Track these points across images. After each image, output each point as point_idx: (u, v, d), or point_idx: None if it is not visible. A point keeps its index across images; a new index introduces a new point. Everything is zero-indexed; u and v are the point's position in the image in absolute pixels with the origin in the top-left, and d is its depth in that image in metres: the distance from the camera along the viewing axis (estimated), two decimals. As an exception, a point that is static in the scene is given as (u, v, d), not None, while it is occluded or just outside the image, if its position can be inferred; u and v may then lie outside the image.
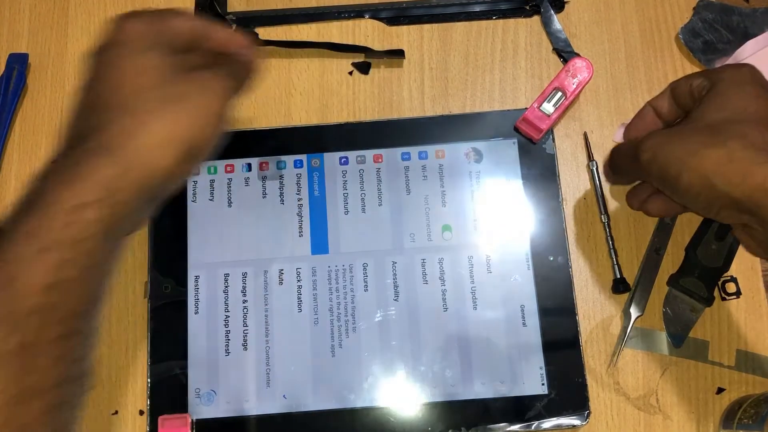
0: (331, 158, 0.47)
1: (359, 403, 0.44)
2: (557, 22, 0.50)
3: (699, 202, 0.36)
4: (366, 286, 0.45)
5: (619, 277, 0.46)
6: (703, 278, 0.45)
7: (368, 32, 0.51)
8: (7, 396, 0.26)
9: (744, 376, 0.45)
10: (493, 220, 0.46)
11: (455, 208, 0.47)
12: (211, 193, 0.47)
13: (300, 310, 0.45)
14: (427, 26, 0.51)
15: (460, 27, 0.51)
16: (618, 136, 0.48)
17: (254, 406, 0.44)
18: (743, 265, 0.46)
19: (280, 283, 0.46)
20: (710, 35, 0.49)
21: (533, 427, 0.43)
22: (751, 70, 0.38)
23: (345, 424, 0.43)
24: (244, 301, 0.45)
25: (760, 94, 0.37)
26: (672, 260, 0.46)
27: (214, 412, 0.44)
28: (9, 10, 0.52)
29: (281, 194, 0.47)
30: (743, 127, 0.35)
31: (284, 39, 0.51)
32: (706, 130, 0.36)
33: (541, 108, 0.47)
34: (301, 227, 0.46)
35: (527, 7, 0.51)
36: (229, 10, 0.51)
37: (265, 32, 0.51)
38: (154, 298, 0.45)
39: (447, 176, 0.47)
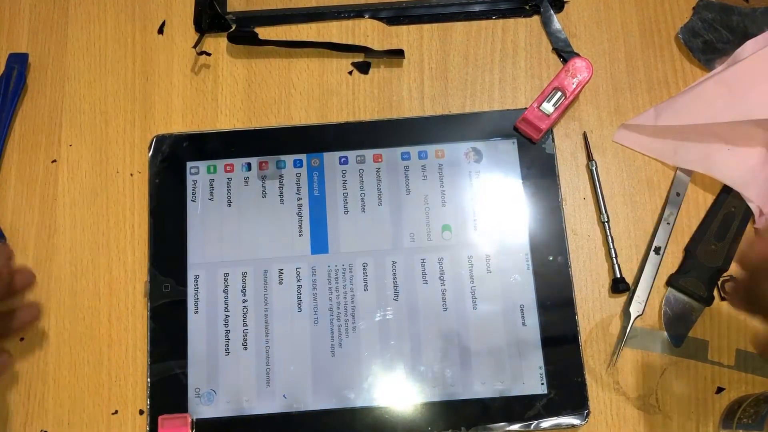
0: (331, 158, 0.47)
1: (359, 403, 0.44)
2: (557, 21, 0.50)
3: None
4: (366, 285, 0.45)
5: (618, 276, 0.46)
6: (703, 278, 0.45)
7: (368, 32, 0.51)
8: None
9: (743, 375, 0.45)
10: (493, 220, 0.46)
11: (455, 207, 0.47)
12: (211, 193, 0.47)
13: (300, 309, 0.45)
14: (426, 26, 0.51)
15: (459, 27, 0.51)
16: (618, 137, 0.48)
17: (254, 406, 0.44)
18: (743, 264, 0.46)
19: (280, 282, 0.46)
20: (710, 35, 0.49)
21: (532, 426, 0.43)
22: None
23: (345, 423, 0.43)
24: (244, 301, 0.45)
25: None
26: (672, 260, 0.46)
27: (214, 411, 0.44)
28: (9, 10, 0.52)
29: (281, 194, 0.47)
30: None
31: (284, 39, 0.51)
32: None
33: (540, 108, 0.47)
34: (300, 227, 0.46)
35: (527, 7, 0.51)
36: (229, 10, 0.52)
37: (265, 32, 0.51)
38: (153, 298, 0.45)
39: (447, 176, 0.47)
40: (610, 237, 0.46)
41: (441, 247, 0.46)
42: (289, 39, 0.51)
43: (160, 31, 0.51)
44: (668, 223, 0.46)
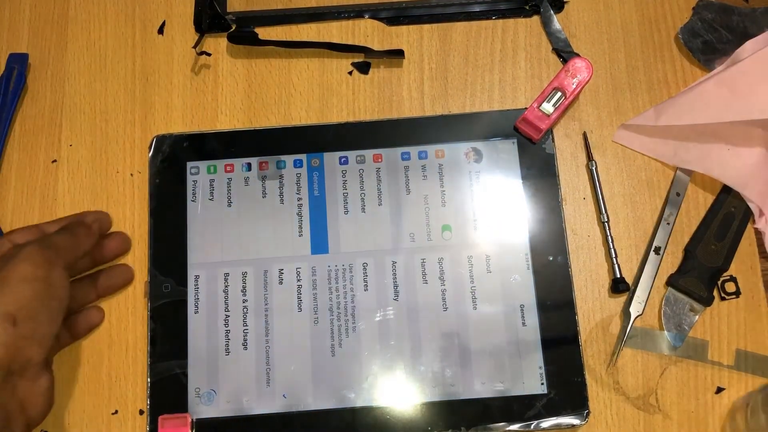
0: (331, 158, 0.48)
1: (359, 403, 0.44)
2: (557, 22, 0.50)
3: None
4: (366, 285, 0.45)
5: (618, 276, 0.46)
6: (703, 278, 0.45)
7: (368, 32, 0.51)
8: None
9: (743, 375, 0.45)
10: (493, 220, 0.46)
11: (455, 207, 0.47)
12: (211, 193, 0.47)
13: (300, 309, 0.45)
14: (426, 26, 0.51)
15: (459, 27, 0.51)
16: (618, 137, 0.49)
17: (254, 406, 0.44)
18: (743, 264, 0.46)
19: (280, 282, 0.46)
20: (710, 35, 0.49)
21: (532, 426, 0.43)
22: None
23: (345, 423, 0.43)
24: (244, 301, 0.45)
25: None
26: (672, 260, 0.46)
27: (214, 411, 0.44)
28: (9, 10, 0.52)
29: (281, 194, 0.47)
30: None
31: (284, 39, 0.51)
32: None
33: (540, 108, 0.47)
34: (300, 227, 0.46)
35: (527, 7, 0.51)
36: (228, 10, 0.52)
37: (265, 32, 0.51)
38: (153, 298, 0.45)
39: (447, 176, 0.47)
40: (610, 237, 0.46)
41: (441, 247, 0.46)
42: (289, 39, 0.51)
43: (160, 31, 0.51)
44: (668, 223, 0.46)
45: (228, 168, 0.47)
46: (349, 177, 0.47)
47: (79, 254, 0.41)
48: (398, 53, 0.50)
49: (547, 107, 0.47)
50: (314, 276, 0.46)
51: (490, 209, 0.46)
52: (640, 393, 0.45)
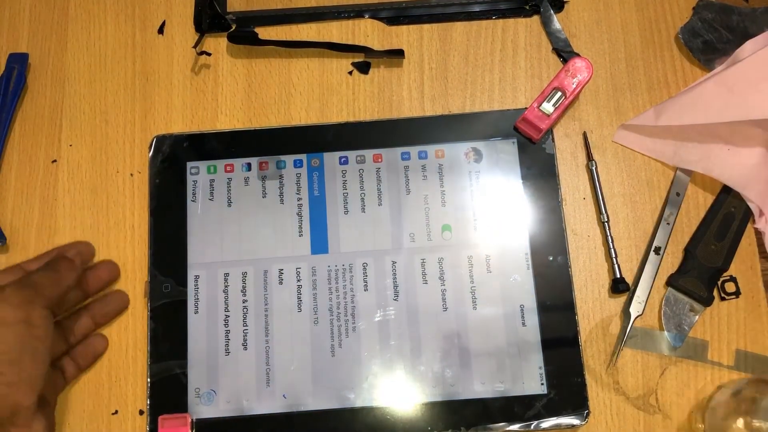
0: (331, 158, 0.48)
1: (359, 403, 0.44)
2: (557, 21, 0.50)
3: None
4: (366, 285, 0.45)
5: (618, 276, 0.46)
6: (703, 278, 0.45)
7: (368, 32, 0.51)
8: None
9: (743, 375, 0.45)
10: (493, 220, 0.46)
11: (455, 207, 0.47)
12: (211, 193, 0.47)
13: (300, 309, 0.45)
14: (426, 26, 0.51)
15: (459, 27, 0.51)
16: (618, 137, 0.48)
17: (254, 406, 0.44)
18: (743, 264, 0.46)
19: (280, 282, 0.46)
20: (710, 35, 0.49)
21: (532, 426, 0.43)
22: None
23: (345, 423, 0.43)
24: (244, 301, 0.45)
25: None
26: (672, 260, 0.46)
27: (214, 411, 0.44)
28: (9, 10, 0.52)
29: (281, 194, 0.47)
30: None
31: (284, 39, 0.51)
32: None
33: (540, 108, 0.47)
34: (300, 227, 0.46)
35: (527, 7, 0.51)
36: (229, 10, 0.52)
37: (265, 32, 0.51)
38: (153, 298, 0.45)
39: (447, 176, 0.47)
40: (610, 237, 0.46)
41: (441, 247, 0.46)
42: (289, 39, 0.51)
43: (160, 31, 0.51)
44: (668, 223, 0.46)
45: (228, 168, 0.47)
46: (349, 177, 0.47)
47: (63, 289, 0.41)
48: (398, 53, 0.50)
49: (547, 107, 0.47)
50: (314, 276, 0.46)
51: (490, 209, 0.46)
52: (640, 393, 0.45)
